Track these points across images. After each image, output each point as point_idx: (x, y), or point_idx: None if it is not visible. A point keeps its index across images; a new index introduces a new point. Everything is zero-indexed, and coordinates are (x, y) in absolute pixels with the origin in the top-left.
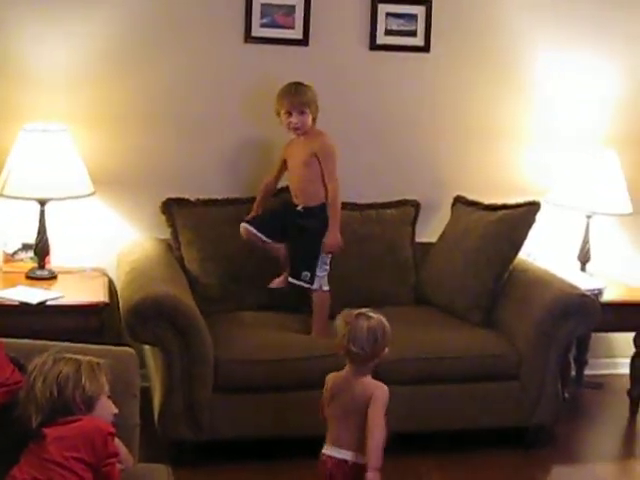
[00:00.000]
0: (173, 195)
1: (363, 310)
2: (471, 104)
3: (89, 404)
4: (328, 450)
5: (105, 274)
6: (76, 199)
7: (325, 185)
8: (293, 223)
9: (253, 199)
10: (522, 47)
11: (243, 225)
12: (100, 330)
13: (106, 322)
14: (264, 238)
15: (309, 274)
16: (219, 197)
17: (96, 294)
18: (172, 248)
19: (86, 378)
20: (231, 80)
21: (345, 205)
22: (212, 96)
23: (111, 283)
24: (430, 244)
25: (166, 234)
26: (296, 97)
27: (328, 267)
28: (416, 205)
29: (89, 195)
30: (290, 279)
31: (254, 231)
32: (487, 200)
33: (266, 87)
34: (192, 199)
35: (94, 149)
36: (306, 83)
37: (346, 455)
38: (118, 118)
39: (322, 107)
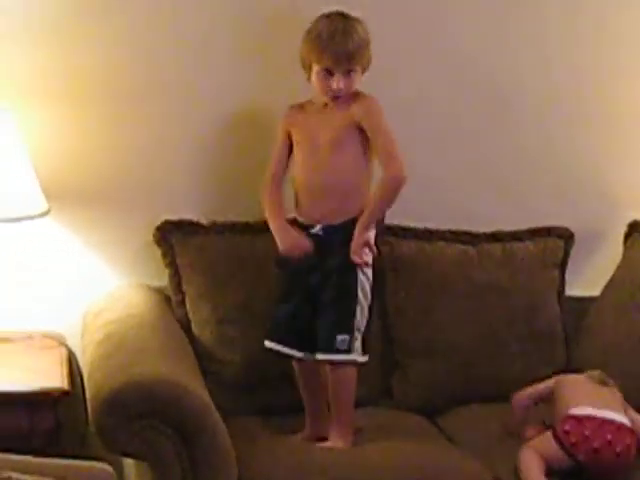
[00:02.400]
0: (172, 216)
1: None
2: None
3: None
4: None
5: (63, 344)
6: (19, 222)
7: (367, 177)
8: (308, 265)
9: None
10: None
11: (266, 344)
12: (55, 434)
13: (65, 421)
14: (297, 354)
15: (348, 338)
16: (248, 219)
17: (49, 376)
18: (172, 302)
19: None
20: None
21: (451, 235)
22: (234, 58)
23: (73, 359)
24: (590, 299)
25: (162, 279)
26: (343, 45)
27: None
28: (567, 236)
29: (40, 215)
30: (319, 356)
31: (279, 348)
32: None
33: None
34: (204, 222)
35: (51, 145)
36: (353, 15)
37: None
38: (90, 97)
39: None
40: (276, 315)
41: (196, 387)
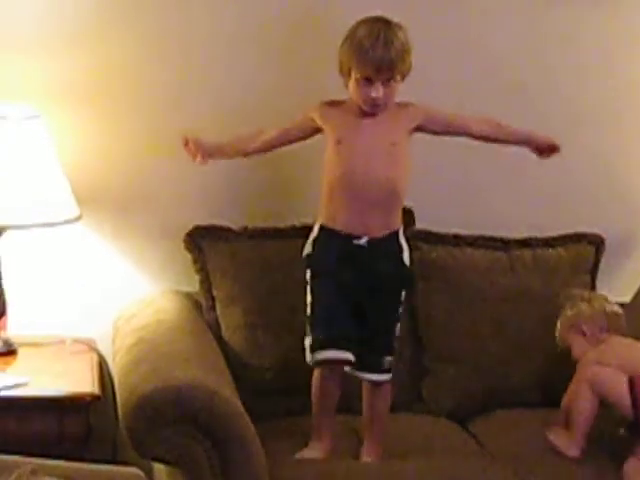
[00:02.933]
0: (203, 221)
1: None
2: None
3: None
4: None
5: (94, 348)
6: (51, 227)
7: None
8: (353, 279)
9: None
10: None
11: (332, 355)
12: (85, 438)
13: (95, 426)
14: (351, 357)
15: (392, 359)
16: (279, 224)
17: (80, 381)
18: (202, 308)
19: None
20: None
21: (482, 241)
22: (273, 61)
23: (104, 364)
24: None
25: (193, 285)
26: (385, 53)
27: None
28: (598, 242)
29: (72, 221)
30: (361, 374)
31: (338, 355)
32: None
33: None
34: (234, 228)
35: (82, 148)
36: (396, 20)
37: None
38: (120, 99)
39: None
40: (325, 324)
41: (227, 392)
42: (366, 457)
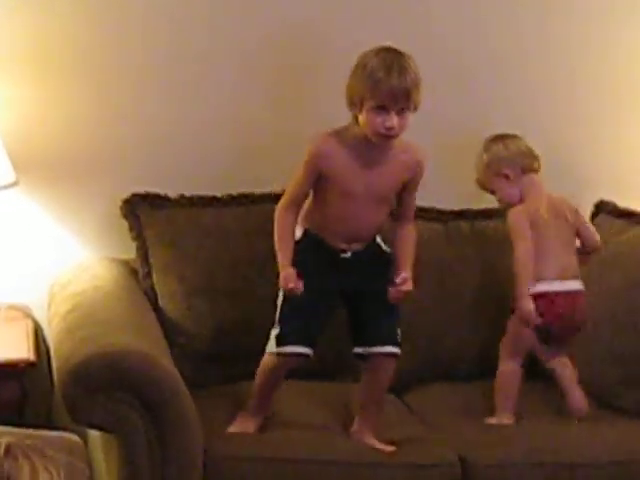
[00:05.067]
0: (140, 189)
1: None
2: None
3: None
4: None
5: (29, 315)
6: None
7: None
8: (339, 281)
9: (267, 196)
10: None
11: (298, 350)
12: (21, 404)
13: (30, 392)
14: (309, 352)
15: (400, 332)
16: (216, 193)
17: (15, 347)
18: (139, 275)
19: None
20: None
21: (419, 213)
22: (214, 39)
23: (39, 330)
24: None
25: (129, 252)
26: (401, 81)
27: None
28: None
29: (8, 187)
30: (383, 348)
31: (301, 350)
32: None
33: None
34: (171, 195)
35: (19, 114)
36: (404, 51)
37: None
38: (58, 64)
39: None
40: (290, 322)
41: (163, 359)
42: (367, 437)
